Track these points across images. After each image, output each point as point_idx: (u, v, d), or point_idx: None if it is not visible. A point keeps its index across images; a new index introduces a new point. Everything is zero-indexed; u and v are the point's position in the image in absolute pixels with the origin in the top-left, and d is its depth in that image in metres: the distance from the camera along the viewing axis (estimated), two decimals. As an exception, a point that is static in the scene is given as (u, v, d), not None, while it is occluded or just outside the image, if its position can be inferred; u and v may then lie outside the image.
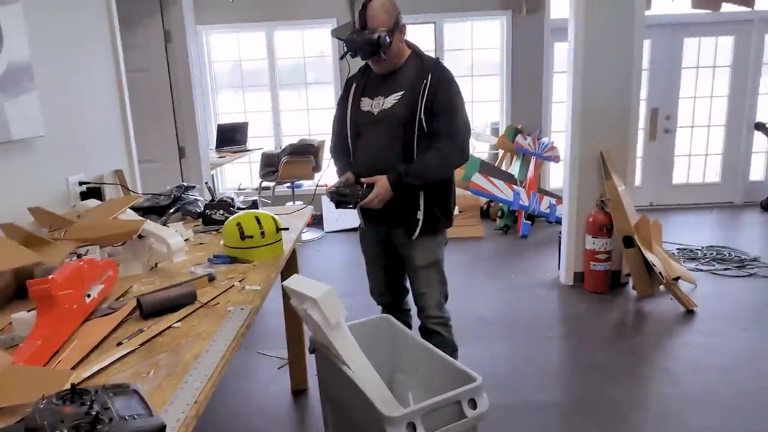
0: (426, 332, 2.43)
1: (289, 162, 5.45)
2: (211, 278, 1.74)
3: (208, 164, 4.23)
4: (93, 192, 2.38)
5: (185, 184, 2.55)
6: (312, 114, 6.42)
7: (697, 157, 6.39)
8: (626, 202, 3.82)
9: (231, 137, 5.94)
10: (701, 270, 4.26)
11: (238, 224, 1.95)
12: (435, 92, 2.12)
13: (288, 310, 2.81)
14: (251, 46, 6.34)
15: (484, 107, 6.47)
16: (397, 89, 2.18)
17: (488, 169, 5.72)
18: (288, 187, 6.03)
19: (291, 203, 5.90)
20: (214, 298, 1.59)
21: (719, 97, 6.23)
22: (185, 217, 2.53)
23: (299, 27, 6.19)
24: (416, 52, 2.26)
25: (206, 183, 2.64)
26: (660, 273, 3.54)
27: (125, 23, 3.49)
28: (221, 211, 2.43)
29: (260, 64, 6.37)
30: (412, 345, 1.82)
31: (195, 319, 1.48)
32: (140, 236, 1.86)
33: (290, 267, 2.72)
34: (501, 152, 6.33)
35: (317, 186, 3.06)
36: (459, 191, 5.64)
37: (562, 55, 6.13)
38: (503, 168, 6.15)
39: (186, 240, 2.24)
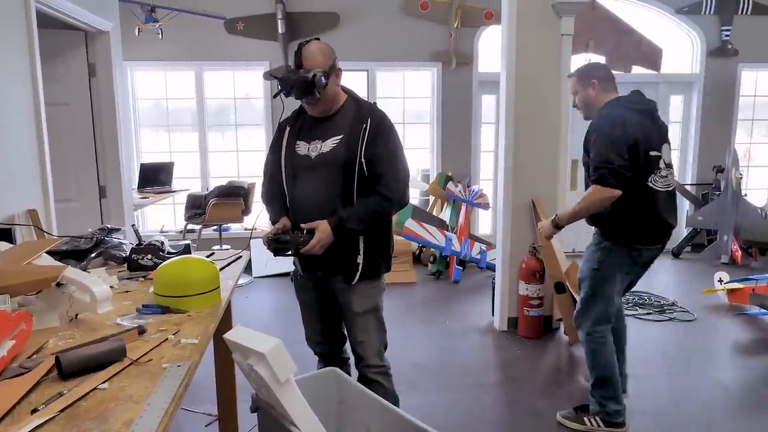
0: (365, 382, 2.33)
1: (217, 204, 5.25)
2: (141, 331, 1.58)
3: (132, 205, 3.98)
4: (2, 234, 2.14)
5: (109, 226, 2.35)
6: (242, 156, 6.27)
7: (614, 206, 6.73)
8: (557, 249, 3.92)
9: (155, 177, 5.66)
10: (626, 315, 4.41)
11: (170, 270, 1.80)
12: (375, 137, 2.10)
13: (219, 361, 2.61)
14: (179, 84, 6.16)
15: (416, 154, 6.57)
16: (336, 133, 2.15)
17: (421, 214, 5.76)
18: (215, 230, 5.79)
19: (218, 247, 5.66)
20: (145, 354, 1.43)
21: (632, 150, 6.64)
22: (108, 262, 2.33)
23: (230, 68, 6.09)
24: (353, 96, 2.25)
25: (132, 225, 2.46)
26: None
27: (46, 55, 3.28)
28: (149, 256, 2.25)
29: (188, 104, 6.19)
30: (363, 400, 1.71)
31: (125, 378, 1.31)
32: (58, 284, 1.67)
33: (225, 314, 2.55)
34: (432, 199, 6.41)
35: (251, 230, 2.93)
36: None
37: (489, 106, 6.38)
38: (434, 214, 6.21)
39: (110, 287, 2.05)
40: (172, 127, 6.28)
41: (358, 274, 2.16)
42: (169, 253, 2.33)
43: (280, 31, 5.86)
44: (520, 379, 3.39)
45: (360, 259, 2.15)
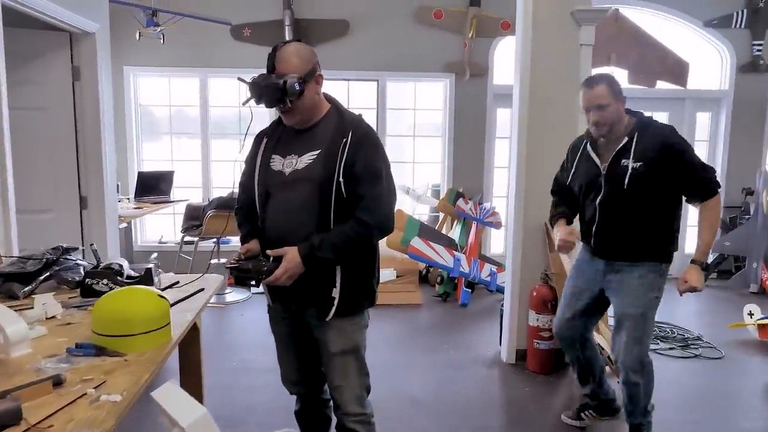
0: (343, 431, 2.05)
1: (214, 216, 5.02)
2: (58, 382, 1.31)
3: (116, 217, 3.74)
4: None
5: (64, 245, 2.11)
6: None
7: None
8: (571, 277, 3.60)
9: (153, 186, 5.46)
10: (645, 349, 4.07)
11: (107, 305, 1.54)
12: (356, 153, 1.82)
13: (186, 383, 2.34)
14: (183, 91, 5.97)
15: (426, 168, 6.29)
16: (313, 147, 1.88)
17: (428, 232, 5.46)
18: (214, 242, 5.56)
19: (215, 261, 5.43)
20: (49, 416, 1.17)
21: (655, 170, 6.30)
22: (61, 285, 2.08)
23: (236, 75, 5.87)
24: (337, 107, 1.97)
25: (91, 245, 2.21)
26: (609, 357, 3.29)
27: (25, 56, 3.09)
28: (105, 281, 1.99)
29: (192, 111, 5.99)
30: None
31: (12, 451, 1.05)
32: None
33: (192, 347, 2.29)
34: (441, 215, 6.11)
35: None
36: (397, 255, 5.36)
37: (504, 120, 6.08)
38: (443, 231, 5.92)
39: (51, 318, 1.80)
40: (175, 135, 6.09)
41: (334, 309, 1.88)
42: (129, 277, 2.08)
43: (287, 38, 5.64)
44: (526, 422, 3.07)
45: (336, 293, 1.87)
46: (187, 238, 5.29)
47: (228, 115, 6.10)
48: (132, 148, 5.87)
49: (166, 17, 5.14)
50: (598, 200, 2.51)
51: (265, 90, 1.80)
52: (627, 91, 6.45)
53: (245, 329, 4.51)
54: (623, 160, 2.44)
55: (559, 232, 2.67)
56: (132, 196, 5.39)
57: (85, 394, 1.28)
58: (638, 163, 2.41)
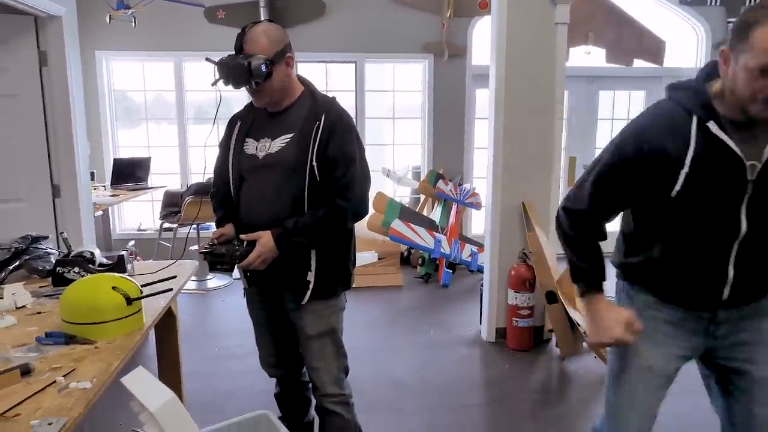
0: (323, 412, 2.07)
1: (193, 202, 4.96)
2: (26, 371, 1.30)
3: (90, 205, 3.69)
4: None
5: (33, 234, 2.07)
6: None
7: (614, 206, 6.45)
8: (549, 255, 3.63)
9: (130, 173, 5.38)
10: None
11: (76, 292, 1.52)
12: (329, 136, 1.81)
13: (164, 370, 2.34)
14: (159, 76, 5.87)
15: (406, 150, 6.28)
16: (286, 131, 1.86)
17: (409, 215, 5.47)
18: (194, 229, 5.51)
19: (195, 247, 5.39)
20: (17, 405, 1.16)
21: (633, 148, 6.36)
22: (32, 275, 2.05)
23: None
24: (310, 90, 1.95)
25: (62, 233, 2.18)
26: (584, 332, 3.34)
27: (-12, 41, 3.00)
28: (76, 269, 1.97)
29: (168, 96, 5.90)
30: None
31: (-23, 441, 1.04)
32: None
33: (169, 334, 2.28)
34: (422, 197, 6.12)
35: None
36: (378, 237, 5.36)
37: (483, 101, 6.07)
38: (424, 213, 5.93)
39: (21, 308, 1.78)
40: (151, 121, 5.99)
41: (309, 292, 1.88)
42: (101, 265, 2.06)
43: (263, 19, 5.55)
44: (506, 399, 3.11)
45: (311, 276, 1.87)
46: (166, 225, 5.24)
47: (205, 99, 6.01)
48: (107, 135, 5.77)
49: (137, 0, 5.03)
50: (743, 228, 1.41)
51: (232, 70, 1.78)
52: (605, 69, 6.49)
53: (226, 315, 4.49)
54: None
55: (605, 320, 1.53)
56: (108, 183, 5.30)
57: (54, 382, 1.27)
58: None
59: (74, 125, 3.33)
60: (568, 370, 3.47)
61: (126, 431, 2.66)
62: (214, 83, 1.84)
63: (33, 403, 1.17)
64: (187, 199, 4.99)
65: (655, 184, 1.42)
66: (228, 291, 5.08)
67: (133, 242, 2.56)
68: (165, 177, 5.86)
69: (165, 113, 5.95)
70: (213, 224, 5.77)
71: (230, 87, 1.83)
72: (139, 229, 5.97)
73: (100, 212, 4.71)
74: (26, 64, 3.16)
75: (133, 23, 4.96)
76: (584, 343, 3.61)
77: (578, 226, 1.59)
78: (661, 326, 1.57)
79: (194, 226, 5.42)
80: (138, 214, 6.08)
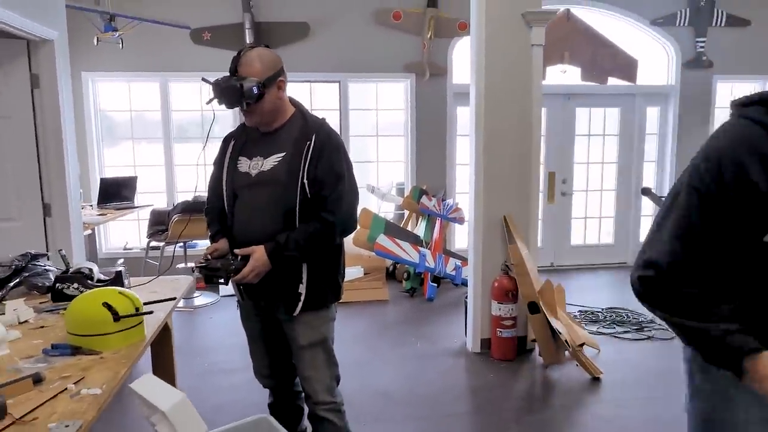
0: (316, 420, 2.15)
1: (180, 220, 5.01)
2: (38, 379, 1.37)
3: (80, 224, 3.73)
4: None
5: (32, 252, 2.14)
6: (209, 170, 6.03)
7: (592, 219, 6.63)
8: (530, 267, 3.76)
9: (116, 192, 5.42)
10: (603, 333, 4.27)
11: (81, 306, 1.60)
12: (319, 155, 1.92)
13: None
14: (144, 96, 5.94)
15: (390, 167, 6.40)
16: (278, 150, 1.97)
17: (394, 230, 5.58)
18: (180, 247, 5.55)
19: (183, 265, 5.44)
20: (33, 410, 1.23)
21: (609, 163, 6.56)
22: (31, 291, 2.11)
23: (196, 80, 5.87)
24: (301, 111, 2.07)
25: (60, 250, 2.24)
26: (566, 340, 3.46)
27: (-18, 64, 3.07)
28: (75, 285, 2.04)
29: (153, 115, 5.96)
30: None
31: (-2, 443, 1.11)
32: (-49, 323, 1.47)
33: (164, 347, 2.34)
34: (407, 213, 6.24)
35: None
36: (364, 252, 5.45)
37: (464, 118, 6.24)
38: (409, 228, 6.04)
39: (24, 322, 1.84)
40: (137, 141, 6.04)
41: (300, 304, 1.97)
42: (99, 281, 2.12)
43: (248, 41, 5.68)
44: (491, 407, 3.20)
45: (302, 289, 1.96)
46: (153, 243, 5.27)
47: (190, 118, 6.09)
48: (93, 155, 5.81)
49: (124, 22, 5.12)
50: None
51: (225, 91, 1.88)
52: (580, 87, 6.70)
53: (214, 332, 4.54)
54: None
55: None
56: (95, 202, 5.34)
57: (66, 389, 1.34)
58: None
59: (65, 145, 3.39)
60: (551, 377, 3.57)
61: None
62: (209, 102, 1.94)
63: (48, 408, 1.25)
64: (174, 217, 5.04)
65: (746, 225, 1.13)
66: (215, 308, 5.12)
67: (122, 260, 2.63)
68: (150, 196, 5.91)
69: (150, 132, 6.00)
70: (199, 242, 5.83)
71: (223, 106, 1.93)
72: (126, 248, 5.99)
73: (88, 231, 4.73)
74: (18, 87, 3.23)
75: (121, 45, 5.05)
76: (566, 352, 3.73)
77: (686, 284, 1.19)
78: None
79: (181, 244, 5.47)
80: (123, 232, 6.10)
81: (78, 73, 5.52)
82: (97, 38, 4.97)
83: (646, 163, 6.59)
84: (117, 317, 1.58)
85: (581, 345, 3.62)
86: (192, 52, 5.74)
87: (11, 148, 3.25)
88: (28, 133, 3.28)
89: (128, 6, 5.27)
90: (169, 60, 5.74)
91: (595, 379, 3.48)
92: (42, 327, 1.80)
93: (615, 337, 4.21)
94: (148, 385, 1.25)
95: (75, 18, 4.89)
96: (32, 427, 1.17)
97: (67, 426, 1.15)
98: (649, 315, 4.62)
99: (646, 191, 6.30)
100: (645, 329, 4.34)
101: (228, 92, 1.87)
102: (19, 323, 1.82)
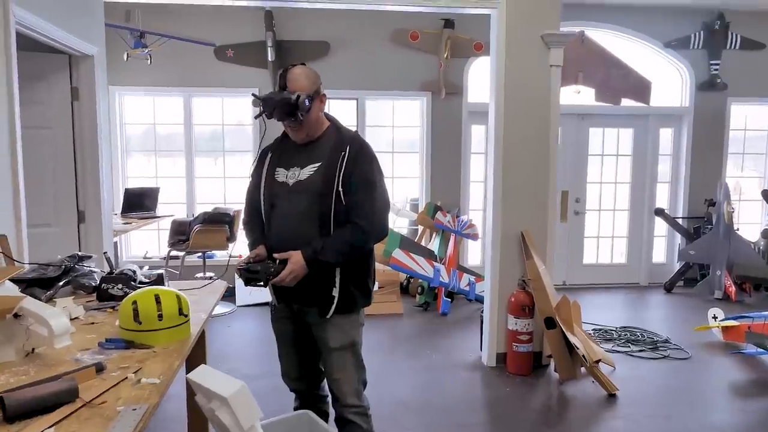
0: (342, 423, 2.23)
1: (201, 231, 5.14)
2: (100, 368, 1.47)
3: (111, 231, 3.87)
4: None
5: (80, 253, 2.25)
6: (228, 182, 6.19)
7: (605, 239, 6.70)
8: (547, 282, 3.83)
9: (139, 202, 5.56)
10: (618, 351, 4.32)
11: (134, 303, 1.70)
12: (353, 165, 2.04)
13: (192, 399, 2.49)
14: (167, 110, 6.11)
15: (404, 183, 6.52)
16: (314, 160, 2.09)
17: (409, 244, 5.67)
18: (198, 257, 5.68)
19: (201, 274, 5.55)
20: (100, 395, 1.33)
21: (623, 183, 6.64)
22: (77, 291, 2.22)
23: (219, 95, 6.06)
24: (336, 124, 2.20)
25: (105, 253, 2.35)
26: (583, 356, 3.52)
27: (29, 78, 3.22)
28: (120, 286, 2.14)
29: (176, 129, 6.13)
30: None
31: (74, 422, 1.21)
32: (16, 315, 1.57)
33: (198, 348, 2.43)
34: (421, 228, 6.33)
35: (230, 257, 2.83)
36: (379, 266, 5.54)
37: (479, 136, 6.37)
38: (423, 244, 6.13)
39: (74, 319, 1.94)
40: (160, 153, 6.20)
41: (333, 307, 2.07)
42: (141, 282, 2.23)
43: (269, 59, 5.85)
44: (507, 419, 3.26)
45: (336, 292, 2.06)
46: (174, 252, 5.39)
47: (211, 132, 6.25)
48: (117, 166, 5.96)
49: (153, 39, 5.30)
50: None
51: (279, 104, 2.00)
52: (594, 108, 6.81)
53: (233, 340, 4.62)
54: None
55: None
56: (119, 212, 5.47)
57: (126, 378, 1.43)
58: None
59: (100, 156, 3.54)
60: (567, 392, 3.63)
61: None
62: (257, 117, 2.06)
63: (113, 394, 1.34)
64: (195, 227, 5.17)
65: None
66: (232, 318, 5.22)
67: (147, 267, 2.73)
68: (170, 206, 6.04)
69: (172, 145, 6.16)
70: (218, 252, 5.94)
71: (266, 119, 2.04)
72: (145, 257, 6.11)
73: (116, 239, 4.86)
74: (59, 99, 3.38)
75: (149, 61, 5.22)
76: (581, 368, 3.79)
77: None
78: None
79: (200, 254, 5.59)
80: (143, 241, 6.23)
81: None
82: (127, 54, 5.15)
83: (660, 183, 6.66)
84: (181, 312, 1.70)
85: (597, 361, 3.68)
86: (216, 69, 5.91)
87: (51, 158, 3.40)
88: (67, 143, 3.43)
89: (156, 24, 5.45)
90: (193, 76, 5.90)
91: (611, 396, 3.53)
92: (93, 323, 1.90)
93: (630, 355, 4.26)
94: (206, 375, 1.35)
95: (105, 34, 5.08)
96: (102, 410, 1.26)
97: (134, 409, 1.25)
98: (665, 335, 4.66)
99: (659, 212, 6.39)
100: (660, 348, 4.38)
101: (282, 105, 1.99)
102: (71, 319, 1.92)
